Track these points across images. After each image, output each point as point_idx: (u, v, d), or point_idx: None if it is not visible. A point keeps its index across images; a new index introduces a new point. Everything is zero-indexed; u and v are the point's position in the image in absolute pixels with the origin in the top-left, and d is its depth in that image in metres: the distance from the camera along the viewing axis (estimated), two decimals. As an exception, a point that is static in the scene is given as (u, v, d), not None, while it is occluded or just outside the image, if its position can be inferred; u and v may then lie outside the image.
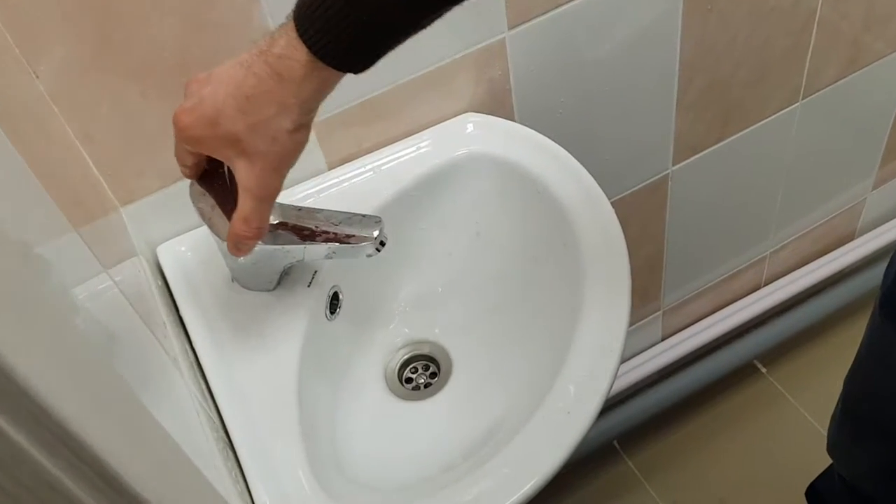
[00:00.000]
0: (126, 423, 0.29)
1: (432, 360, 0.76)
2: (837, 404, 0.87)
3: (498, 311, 0.76)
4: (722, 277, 1.28)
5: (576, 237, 0.68)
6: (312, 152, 0.74)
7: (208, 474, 0.50)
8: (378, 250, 0.63)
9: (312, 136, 0.73)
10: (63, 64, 0.58)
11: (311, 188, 0.75)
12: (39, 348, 0.24)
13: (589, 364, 0.60)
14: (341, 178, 0.75)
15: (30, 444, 0.23)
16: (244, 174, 0.52)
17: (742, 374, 1.43)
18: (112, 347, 0.46)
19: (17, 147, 0.44)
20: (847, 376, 0.83)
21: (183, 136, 0.52)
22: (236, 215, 0.53)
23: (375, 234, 0.63)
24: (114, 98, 0.62)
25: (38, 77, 0.58)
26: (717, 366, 1.37)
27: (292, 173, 0.74)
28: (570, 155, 0.74)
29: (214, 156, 0.53)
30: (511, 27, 0.76)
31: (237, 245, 0.55)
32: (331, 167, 0.76)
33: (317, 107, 0.51)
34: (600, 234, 0.67)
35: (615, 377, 0.60)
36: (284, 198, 0.73)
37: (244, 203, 0.53)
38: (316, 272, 0.69)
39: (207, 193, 0.59)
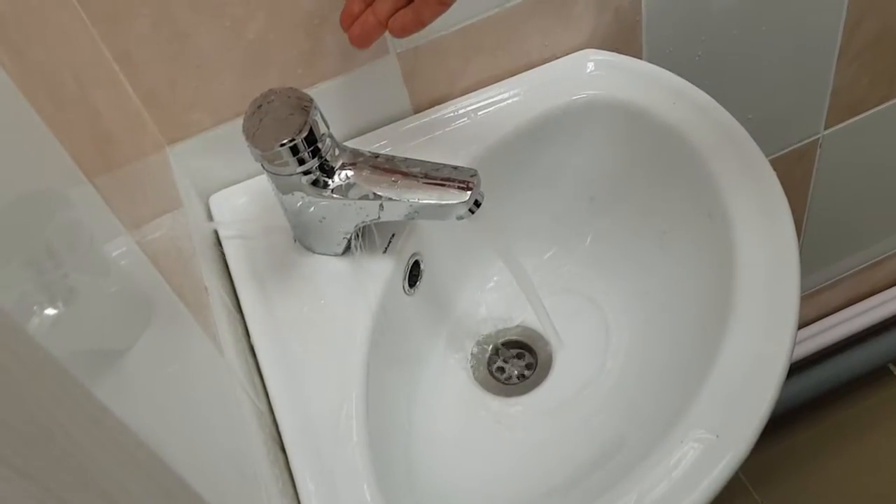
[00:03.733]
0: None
1: (528, 348, 0.63)
2: None
3: (616, 295, 0.61)
4: (863, 266, 1.10)
5: (724, 204, 0.53)
6: (396, 90, 0.61)
7: (241, 487, 0.38)
8: (472, 211, 0.50)
9: (397, 70, 0.60)
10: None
11: (390, 134, 0.62)
12: None
13: (741, 377, 0.46)
14: (429, 124, 0.62)
15: None
16: None
17: (873, 377, 1.25)
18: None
19: (14, 68, 0.33)
20: None
21: None
22: None
23: (469, 191, 0.50)
24: (160, 9, 0.50)
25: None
26: (847, 367, 1.19)
27: (368, 114, 0.62)
28: (719, 105, 0.59)
29: None
30: (649, -59, 0.61)
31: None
32: (417, 110, 0.63)
33: None
34: (759, 206, 0.52)
35: (781, 386, 0.46)
36: (360, 143, 0.61)
37: None
38: (393, 235, 0.56)
39: None
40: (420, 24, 0.49)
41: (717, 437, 0.44)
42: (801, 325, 1.13)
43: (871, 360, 1.20)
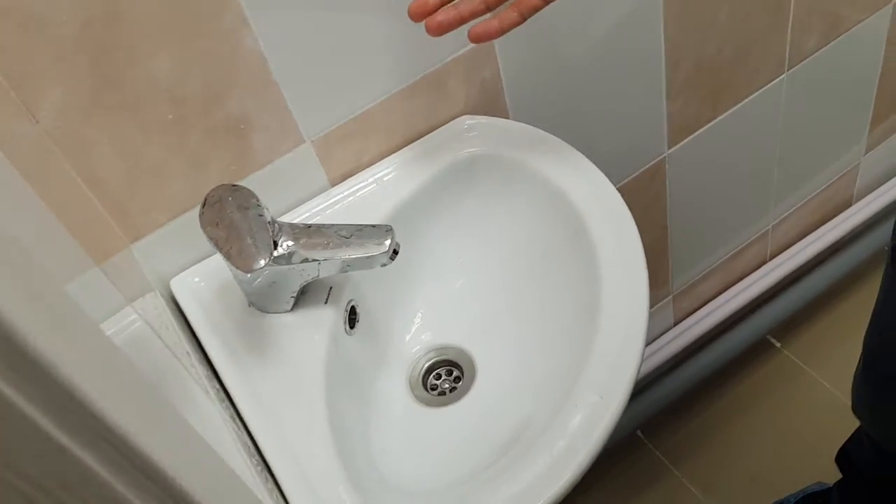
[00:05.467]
0: (182, 442, 0.29)
1: (455, 364, 0.76)
2: (859, 362, 0.87)
3: (515, 309, 0.76)
4: (727, 256, 1.29)
5: (585, 224, 0.68)
6: (313, 170, 0.74)
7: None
8: (392, 259, 0.63)
9: (313, 154, 0.73)
10: (61, 105, 0.58)
11: (315, 206, 0.75)
12: (97, 370, 0.24)
13: (616, 346, 0.60)
14: (345, 194, 0.75)
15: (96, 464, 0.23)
16: None
17: (757, 350, 1.43)
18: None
19: (38, 191, 0.44)
20: (866, 332, 0.84)
21: None
22: None
23: (388, 242, 0.63)
24: (114, 135, 0.62)
25: (37, 122, 0.58)
26: (732, 344, 1.37)
27: (295, 193, 0.75)
28: (568, 145, 0.74)
29: None
30: (497, 27, 0.77)
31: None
32: (333, 184, 0.76)
33: None
34: (609, 218, 0.68)
35: (642, 356, 0.60)
36: (291, 217, 0.73)
37: None
38: (331, 288, 0.69)
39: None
40: (500, 31, 0.55)
41: (602, 397, 0.58)
42: (685, 315, 1.30)
43: (751, 334, 1.38)
